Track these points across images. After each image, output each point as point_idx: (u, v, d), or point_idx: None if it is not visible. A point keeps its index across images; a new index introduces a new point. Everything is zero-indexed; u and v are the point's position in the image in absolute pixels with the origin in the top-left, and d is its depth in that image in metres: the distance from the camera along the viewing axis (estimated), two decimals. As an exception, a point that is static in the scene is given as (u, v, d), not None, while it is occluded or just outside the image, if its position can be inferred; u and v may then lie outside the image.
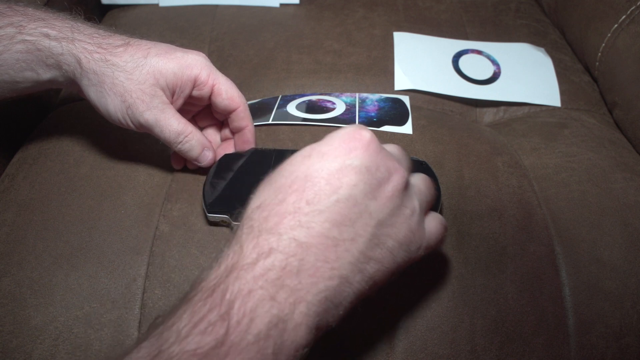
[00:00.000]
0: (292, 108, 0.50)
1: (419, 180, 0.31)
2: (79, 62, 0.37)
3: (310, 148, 0.28)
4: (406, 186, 0.29)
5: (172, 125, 0.39)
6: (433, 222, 0.31)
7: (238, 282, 0.24)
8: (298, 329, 0.24)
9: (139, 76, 0.37)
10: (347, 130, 0.28)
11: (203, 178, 0.41)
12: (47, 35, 0.37)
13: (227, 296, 0.23)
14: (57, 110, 0.53)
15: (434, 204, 0.38)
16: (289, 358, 0.23)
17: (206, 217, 0.39)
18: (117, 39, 0.39)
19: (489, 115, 0.56)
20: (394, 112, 0.50)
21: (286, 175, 0.27)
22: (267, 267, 0.24)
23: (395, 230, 0.27)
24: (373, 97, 0.52)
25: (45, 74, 0.39)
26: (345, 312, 0.26)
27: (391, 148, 0.31)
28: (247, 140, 0.43)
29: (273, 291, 0.24)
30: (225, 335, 0.22)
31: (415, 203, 0.29)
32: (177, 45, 0.40)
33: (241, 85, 0.43)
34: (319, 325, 0.25)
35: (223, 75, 0.41)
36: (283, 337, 0.23)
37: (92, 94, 0.38)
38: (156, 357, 0.22)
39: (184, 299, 0.25)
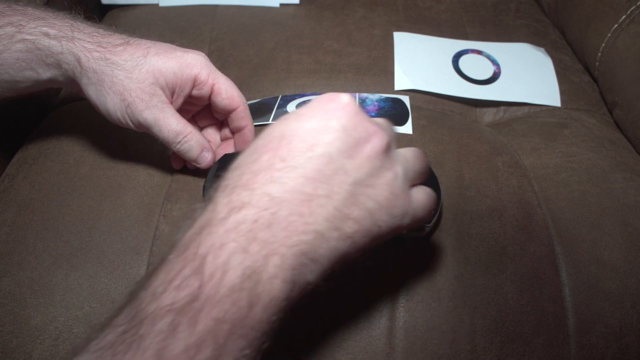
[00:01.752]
0: (292, 108, 0.50)
1: (407, 151, 0.31)
2: (78, 61, 0.37)
3: (290, 113, 0.28)
4: (387, 149, 0.28)
5: (171, 124, 0.39)
6: (420, 192, 0.30)
7: (211, 236, 0.24)
8: (273, 281, 0.24)
9: (138, 75, 0.37)
10: (325, 95, 0.28)
11: (203, 178, 0.41)
12: (46, 34, 0.37)
13: (200, 250, 0.23)
14: (57, 110, 0.53)
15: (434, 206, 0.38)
16: (267, 310, 0.23)
17: (206, 217, 0.39)
18: (116, 38, 0.39)
19: (489, 115, 0.56)
20: (394, 112, 0.50)
21: (263, 136, 0.28)
22: (239, 221, 0.24)
23: (376, 191, 0.27)
24: (373, 97, 0.52)
25: (45, 73, 0.39)
26: (323, 270, 0.26)
27: (377, 119, 0.31)
28: (247, 140, 0.43)
29: (245, 244, 0.24)
30: (199, 289, 0.22)
31: (397, 168, 0.28)
32: (177, 45, 0.40)
33: (241, 85, 0.43)
34: (295, 279, 0.24)
35: (223, 75, 0.41)
36: (257, 289, 0.23)
37: (92, 92, 0.38)
38: (134, 317, 0.22)
39: (161, 261, 0.25)
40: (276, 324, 0.24)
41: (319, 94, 0.53)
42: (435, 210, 0.38)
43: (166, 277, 0.23)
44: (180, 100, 0.40)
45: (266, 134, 0.28)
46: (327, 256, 0.26)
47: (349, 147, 0.27)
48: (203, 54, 0.40)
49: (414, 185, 0.30)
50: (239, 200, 0.25)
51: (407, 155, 0.30)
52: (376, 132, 0.28)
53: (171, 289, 0.23)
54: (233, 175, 0.27)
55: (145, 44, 0.39)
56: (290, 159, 0.26)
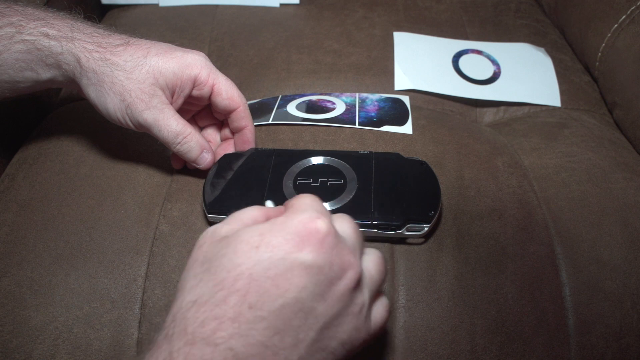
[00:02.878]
0: (292, 108, 0.50)
1: (371, 264, 0.28)
2: (78, 61, 0.37)
3: (259, 235, 0.25)
4: (359, 281, 0.26)
5: (171, 125, 0.39)
6: (379, 309, 0.28)
7: None
8: None
9: (138, 75, 0.37)
10: (301, 220, 0.26)
11: (203, 178, 0.41)
12: (46, 35, 0.37)
13: None
14: (57, 110, 0.53)
15: (434, 205, 0.38)
16: None
17: (206, 217, 0.39)
18: (116, 39, 0.39)
19: (489, 115, 0.56)
20: (394, 112, 0.50)
21: (229, 267, 0.24)
22: None
23: (341, 330, 0.25)
24: (373, 97, 0.52)
25: (45, 74, 0.39)
26: None
27: (346, 228, 0.28)
28: (247, 140, 0.43)
29: None
30: None
31: (365, 297, 0.27)
32: (177, 45, 0.40)
33: (241, 85, 0.43)
34: None
35: (223, 75, 0.41)
36: None
37: (92, 93, 0.38)
38: None
39: None
40: None
41: (319, 94, 0.53)
42: (435, 210, 0.38)
43: None
44: (180, 101, 0.40)
45: (232, 264, 0.24)
46: None
47: (322, 289, 0.25)
48: (203, 54, 0.40)
49: (375, 297, 0.28)
50: (200, 357, 0.22)
51: (373, 272, 0.28)
52: (351, 265, 0.26)
53: None
54: (192, 315, 0.23)
55: (145, 44, 0.39)
56: (259, 307, 0.23)
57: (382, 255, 0.30)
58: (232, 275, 0.24)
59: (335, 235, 0.26)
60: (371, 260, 0.29)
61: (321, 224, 0.25)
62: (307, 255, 0.25)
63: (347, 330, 0.26)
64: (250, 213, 0.28)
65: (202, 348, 0.22)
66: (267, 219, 0.28)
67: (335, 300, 0.25)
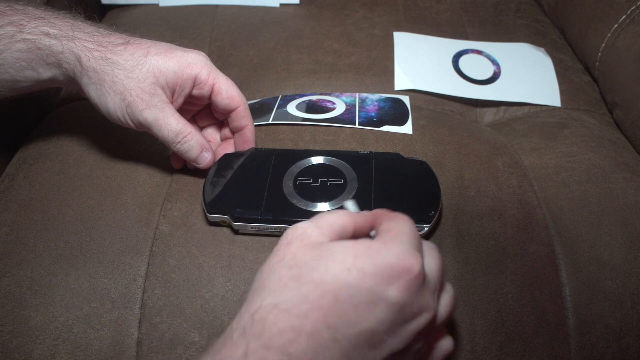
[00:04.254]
0: (292, 108, 0.50)
1: (444, 303, 0.29)
2: (79, 60, 0.37)
3: (353, 259, 0.25)
4: (432, 322, 0.27)
5: (171, 124, 0.38)
6: (440, 350, 0.30)
7: None
8: None
9: (138, 74, 0.37)
10: (397, 254, 0.26)
11: (203, 178, 0.41)
12: (47, 34, 0.37)
13: None
14: (57, 110, 0.53)
15: (434, 205, 0.38)
16: None
17: (206, 217, 0.39)
18: (117, 38, 0.39)
19: (489, 115, 0.56)
20: (394, 112, 0.50)
21: (317, 282, 0.25)
22: None
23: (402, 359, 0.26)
24: (373, 97, 0.52)
25: (46, 73, 0.39)
26: None
27: (432, 263, 0.28)
28: (247, 139, 0.43)
29: None
30: None
31: (430, 337, 0.28)
32: (177, 45, 0.40)
33: (241, 85, 0.43)
34: None
35: (223, 75, 0.41)
36: None
37: (92, 92, 0.38)
38: None
39: None
40: None
41: (319, 94, 0.53)
42: (435, 210, 0.38)
43: None
44: (180, 100, 0.40)
45: (320, 280, 0.25)
46: None
47: (398, 325, 0.25)
48: (203, 54, 0.40)
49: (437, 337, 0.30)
50: None
51: (442, 311, 0.29)
52: (428, 308, 0.26)
53: None
54: (273, 319, 0.24)
55: (145, 43, 0.39)
56: (336, 328, 0.24)
57: (454, 293, 0.30)
58: (318, 292, 0.24)
59: (424, 276, 0.26)
60: (445, 299, 0.29)
61: (415, 265, 0.25)
62: (394, 292, 0.25)
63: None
64: (340, 219, 0.28)
65: (275, 355, 0.23)
66: (355, 228, 0.29)
67: (405, 336, 0.26)
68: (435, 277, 0.28)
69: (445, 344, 0.30)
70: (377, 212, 0.30)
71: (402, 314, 0.25)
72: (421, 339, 0.27)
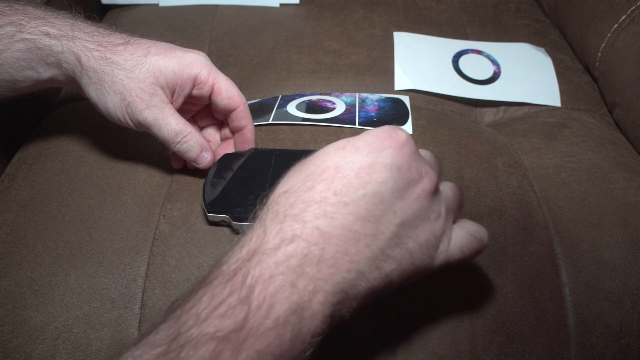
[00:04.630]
0: (292, 108, 0.50)
1: (448, 188, 0.31)
2: (79, 60, 0.37)
3: (345, 141, 0.28)
4: (435, 190, 0.28)
5: (171, 124, 0.39)
6: (460, 232, 0.30)
7: (259, 266, 0.24)
8: (315, 317, 0.24)
9: (138, 74, 0.37)
10: (384, 128, 0.28)
11: (203, 178, 0.41)
12: (47, 34, 0.37)
13: (248, 280, 0.23)
14: (57, 110, 0.53)
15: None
16: (304, 345, 0.24)
17: (206, 217, 0.39)
18: (117, 38, 0.39)
19: (489, 115, 0.56)
20: (394, 112, 0.50)
21: (317, 163, 0.27)
22: (289, 254, 0.24)
23: (418, 232, 0.27)
24: (373, 97, 0.52)
25: (46, 73, 0.39)
26: (358, 305, 0.26)
27: (424, 153, 0.31)
28: (247, 139, 0.43)
29: (294, 278, 0.24)
30: (244, 320, 0.22)
31: (442, 208, 0.29)
32: (177, 45, 0.40)
33: (241, 85, 0.43)
34: (333, 315, 0.25)
35: (223, 75, 0.41)
36: (300, 324, 0.23)
37: (92, 92, 0.38)
38: (175, 339, 0.22)
39: (203, 282, 0.25)
40: (309, 357, 0.24)
41: (319, 94, 0.53)
42: None
43: (211, 302, 0.23)
44: (180, 100, 0.40)
45: (320, 161, 0.27)
46: (363, 294, 0.26)
47: (401, 187, 0.27)
48: (203, 54, 0.40)
49: (454, 222, 0.30)
50: (290, 232, 0.25)
51: (449, 194, 0.30)
52: (427, 173, 0.28)
53: (216, 315, 0.23)
54: (284, 200, 0.26)
55: (145, 43, 0.39)
56: (343, 194, 0.26)
57: (457, 186, 0.32)
58: (319, 169, 0.27)
59: (415, 147, 0.28)
60: (448, 185, 0.31)
61: (402, 133, 0.28)
62: (387, 156, 0.27)
63: (424, 234, 0.27)
64: None
65: (292, 224, 0.25)
66: None
67: (412, 200, 0.27)
68: (431, 157, 0.31)
69: (464, 224, 0.31)
70: None
71: (401, 175, 0.27)
72: (433, 208, 0.28)
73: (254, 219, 0.27)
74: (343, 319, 0.26)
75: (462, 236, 0.30)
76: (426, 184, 0.28)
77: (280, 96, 0.53)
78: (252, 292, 0.23)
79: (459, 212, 0.31)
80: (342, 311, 0.26)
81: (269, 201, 0.27)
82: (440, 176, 0.30)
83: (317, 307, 0.24)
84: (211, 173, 0.41)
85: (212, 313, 0.23)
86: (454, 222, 0.31)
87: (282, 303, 0.23)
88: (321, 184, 0.26)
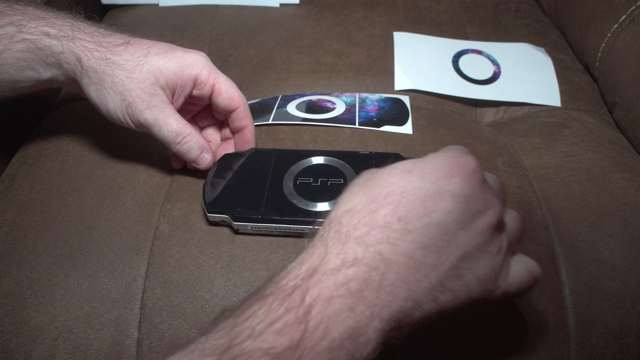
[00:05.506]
0: (292, 108, 0.50)
1: (511, 219, 0.30)
2: (79, 60, 0.37)
3: (412, 163, 0.27)
4: (499, 223, 0.28)
5: (171, 125, 0.39)
6: (518, 267, 0.29)
7: (319, 286, 0.23)
8: (368, 343, 0.23)
9: (139, 75, 0.37)
10: (453, 153, 0.27)
11: (203, 178, 0.41)
12: (47, 34, 0.37)
13: (307, 299, 0.23)
14: (57, 110, 0.53)
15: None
16: None
17: (206, 216, 0.39)
18: (117, 38, 0.39)
19: (489, 115, 0.56)
20: (394, 112, 0.50)
21: (383, 185, 0.27)
22: (350, 277, 0.24)
23: (478, 265, 0.26)
24: (373, 97, 0.52)
25: (46, 73, 0.39)
26: (408, 333, 0.26)
27: (491, 179, 0.30)
28: (248, 140, 0.43)
29: (352, 302, 0.23)
30: (300, 339, 0.22)
31: (503, 242, 0.28)
32: (177, 45, 0.40)
33: (241, 85, 0.43)
34: (385, 342, 0.25)
35: (223, 75, 0.41)
36: (354, 349, 0.23)
37: (92, 92, 0.38)
38: (227, 351, 0.22)
39: (257, 294, 0.24)
40: None
41: (319, 94, 0.53)
42: None
43: (267, 317, 0.23)
44: (180, 100, 0.40)
45: (386, 183, 0.27)
46: (416, 322, 0.26)
47: (466, 218, 0.26)
48: (204, 54, 0.40)
49: (513, 253, 0.30)
50: (352, 254, 0.24)
51: (512, 226, 0.29)
52: (493, 205, 0.27)
53: (271, 331, 0.22)
54: (347, 220, 0.26)
55: (146, 43, 0.39)
56: (407, 221, 0.25)
57: (519, 216, 0.31)
58: (385, 191, 0.26)
59: (483, 174, 0.28)
60: (511, 216, 0.30)
61: (470, 160, 0.27)
62: (455, 184, 0.26)
63: (483, 268, 0.27)
64: None
65: (354, 246, 0.25)
66: None
67: (476, 232, 0.26)
68: (496, 183, 0.30)
69: (523, 259, 0.30)
70: None
71: (467, 206, 0.26)
72: (495, 241, 0.27)
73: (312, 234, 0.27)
74: (394, 346, 0.25)
75: (520, 271, 0.29)
76: (491, 216, 0.27)
77: (280, 96, 0.53)
78: (310, 311, 0.23)
79: (519, 243, 0.31)
80: (393, 338, 0.25)
81: (331, 218, 0.27)
82: (505, 205, 0.29)
83: (372, 333, 0.24)
84: (211, 173, 0.41)
85: (268, 329, 0.22)
86: (514, 253, 0.30)
87: (338, 326, 0.23)
88: (386, 207, 0.26)
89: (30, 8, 0.39)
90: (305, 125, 0.48)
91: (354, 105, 0.51)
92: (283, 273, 0.25)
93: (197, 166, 0.41)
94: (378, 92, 0.54)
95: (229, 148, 0.44)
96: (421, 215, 0.25)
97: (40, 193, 0.42)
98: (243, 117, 0.42)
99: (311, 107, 0.50)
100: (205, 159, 0.41)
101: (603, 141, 0.48)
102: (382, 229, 0.25)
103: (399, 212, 0.25)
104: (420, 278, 0.25)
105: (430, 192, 0.26)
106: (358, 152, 0.43)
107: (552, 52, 0.60)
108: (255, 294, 0.24)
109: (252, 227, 0.38)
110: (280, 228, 0.38)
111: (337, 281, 0.24)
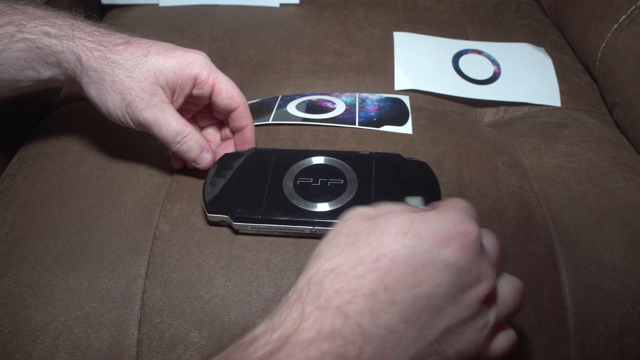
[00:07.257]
0: (292, 108, 0.50)
1: (507, 289, 0.28)
2: (79, 59, 0.37)
3: (409, 223, 0.25)
4: (489, 296, 0.26)
5: (171, 124, 0.39)
6: (502, 340, 0.28)
7: (289, 359, 0.22)
8: None
9: (139, 74, 0.37)
10: (453, 219, 0.25)
11: (203, 178, 0.41)
12: (47, 34, 0.37)
13: None
14: (57, 110, 0.53)
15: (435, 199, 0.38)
16: None
17: (206, 217, 0.39)
18: (117, 37, 0.39)
19: (489, 115, 0.56)
20: (394, 112, 0.50)
21: (374, 245, 0.25)
22: (324, 351, 0.22)
23: (460, 339, 0.25)
24: (373, 97, 0.52)
25: (46, 72, 0.39)
26: None
27: (489, 242, 0.28)
28: (247, 139, 0.43)
29: None
30: None
31: (491, 316, 0.26)
32: (177, 45, 0.40)
33: (241, 85, 0.43)
34: None
35: (223, 75, 0.41)
36: None
37: (92, 91, 0.38)
38: None
39: (227, 350, 0.24)
40: None
41: (319, 94, 0.53)
42: None
43: None
44: (180, 100, 0.40)
45: (377, 243, 0.25)
46: None
47: (456, 291, 0.25)
48: (204, 54, 0.40)
49: (501, 327, 0.28)
50: (330, 326, 0.23)
51: (506, 298, 0.28)
52: (487, 277, 0.26)
53: None
54: (329, 283, 0.24)
55: (146, 43, 0.39)
56: (394, 291, 0.24)
57: (523, 286, 0.29)
58: (375, 254, 0.25)
59: (481, 245, 0.26)
60: (508, 286, 0.28)
61: (471, 229, 0.25)
62: (451, 254, 0.25)
63: (466, 342, 0.26)
64: (399, 206, 0.28)
65: (333, 316, 0.23)
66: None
67: (464, 306, 0.25)
68: (494, 249, 0.28)
69: (508, 334, 0.28)
70: (439, 202, 0.29)
71: (459, 279, 0.25)
72: (483, 315, 0.26)
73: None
74: None
75: (502, 344, 0.28)
76: (482, 289, 0.25)
77: (280, 96, 0.53)
78: None
79: (511, 316, 0.28)
80: None
81: (312, 275, 0.25)
82: (500, 267, 0.28)
83: None
84: (211, 173, 0.41)
85: None
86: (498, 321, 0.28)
87: None
88: (373, 273, 0.24)
89: (30, 7, 0.39)
90: (305, 125, 0.48)
91: (354, 105, 0.51)
92: (253, 334, 0.24)
93: (197, 166, 0.41)
94: (378, 92, 0.54)
95: (229, 148, 0.44)
96: (410, 285, 0.24)
97: (40, 193, 0.42)
98: (243, 117, 0.42)
99: (311, 107, 0.50)
100: (205, 159, 0.41)
101: (603, 141, 0.48)
102: (366, 298, 0.24)
103: (387, 281, 0.24)
104: (399, 352, 0.24)
105: (423, 260, 0.24)
106: (358, 152, 0.43)
107: (552, 52, 0.60)
108: (230, 343, 0.24)
109: (252, 227, 0.38)
110: (280, 228, 0.38)
111: (309, 355, 0.22)
